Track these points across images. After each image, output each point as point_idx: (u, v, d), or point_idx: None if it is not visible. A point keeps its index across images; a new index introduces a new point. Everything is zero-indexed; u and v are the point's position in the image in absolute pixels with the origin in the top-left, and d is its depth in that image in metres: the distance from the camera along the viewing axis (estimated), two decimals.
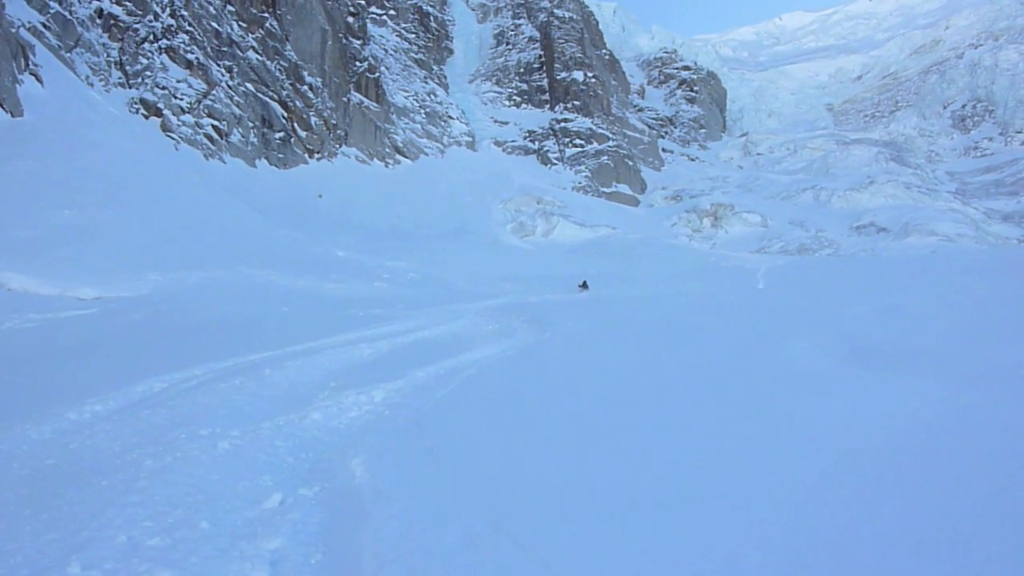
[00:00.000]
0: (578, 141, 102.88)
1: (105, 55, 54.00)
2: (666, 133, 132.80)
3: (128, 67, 54.97)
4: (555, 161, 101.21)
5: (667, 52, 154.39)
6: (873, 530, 4.19)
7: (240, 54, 65.03)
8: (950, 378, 8.07)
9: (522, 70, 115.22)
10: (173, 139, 53.73)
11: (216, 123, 58.90)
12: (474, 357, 13.17)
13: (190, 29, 59.45)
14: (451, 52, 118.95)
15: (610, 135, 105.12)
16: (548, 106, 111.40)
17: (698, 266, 51.00)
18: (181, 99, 56.53)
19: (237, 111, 62.10)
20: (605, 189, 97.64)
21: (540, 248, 66.64)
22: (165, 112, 54.68)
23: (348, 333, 15.59)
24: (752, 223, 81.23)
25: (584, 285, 36.06)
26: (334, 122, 77.03)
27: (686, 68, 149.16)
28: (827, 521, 4.38)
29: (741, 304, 22.37)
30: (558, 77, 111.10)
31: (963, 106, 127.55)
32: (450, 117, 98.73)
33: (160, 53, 57.01)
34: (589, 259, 55.70)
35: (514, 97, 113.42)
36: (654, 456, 6.08)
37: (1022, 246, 65.82)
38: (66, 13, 49.86)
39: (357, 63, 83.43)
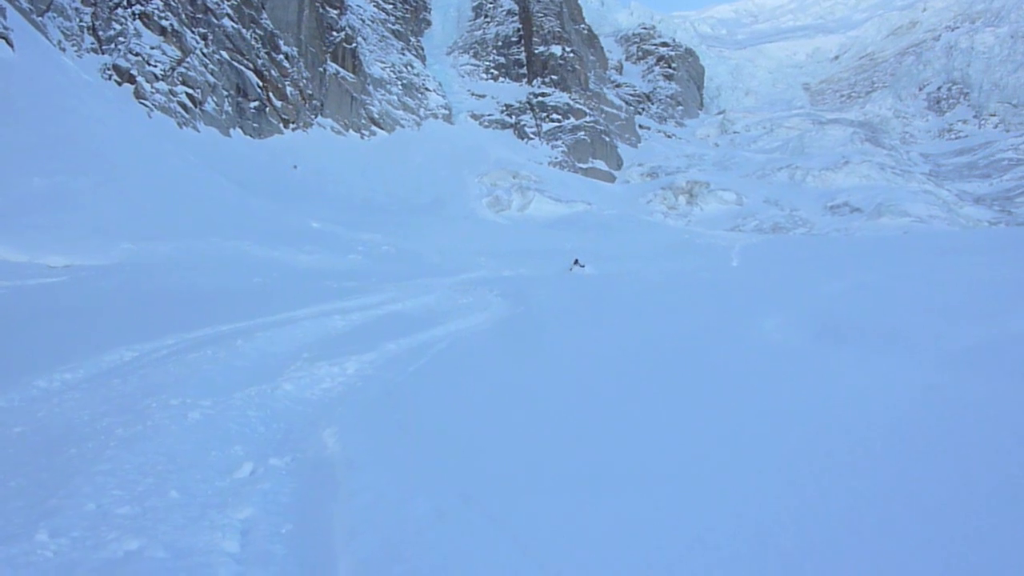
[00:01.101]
0: (555, 116, 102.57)
1: (78, 20, 53.10)
2: (643, 109, 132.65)
3: (101, 32, 54.07)
4: (532, 135, 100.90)
5: (646, 28, 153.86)
6: (840, 513, 4.24)
7: (215, 21, 64.11)
8: (921, 356, 8.17)
9: (500, 43, 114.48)
10: (146, 106, 52.99)
11: (190, 91, 58.15)
12: (447, 330, 13.16)
13: None
14: (429, 24, 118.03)
15: (587, 110, 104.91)
16: (526, 80, 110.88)
17: (673, 243, 51.19)
18: (155, 66, 55.70)
19: (211, 79, 61.32)
20: (581, 165, 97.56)
21: (516, 223, 66.59)
22: (138, 79, 53.89)
23: (321, 305, 15.52)
24: (727, 201, 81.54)
25: (577, 263, 33.89)
26: (310, 92, 76.32)
27: (664, 45, 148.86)
28: (794, 495, 4.44)
29: (715, 281, 22.50)
30: (536, 51, 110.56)
31: (938, 88, 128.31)
32: (427, 89, 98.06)
33: (134, 19, 56.08)
34: (564, 235, 55.72)
35: (492, 70, 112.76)
36: (625, 432, 6.12)
37: (992, 228, 66.54)
38: None
39: (334, 33, 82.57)
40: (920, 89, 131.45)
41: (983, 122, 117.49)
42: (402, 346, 11.40)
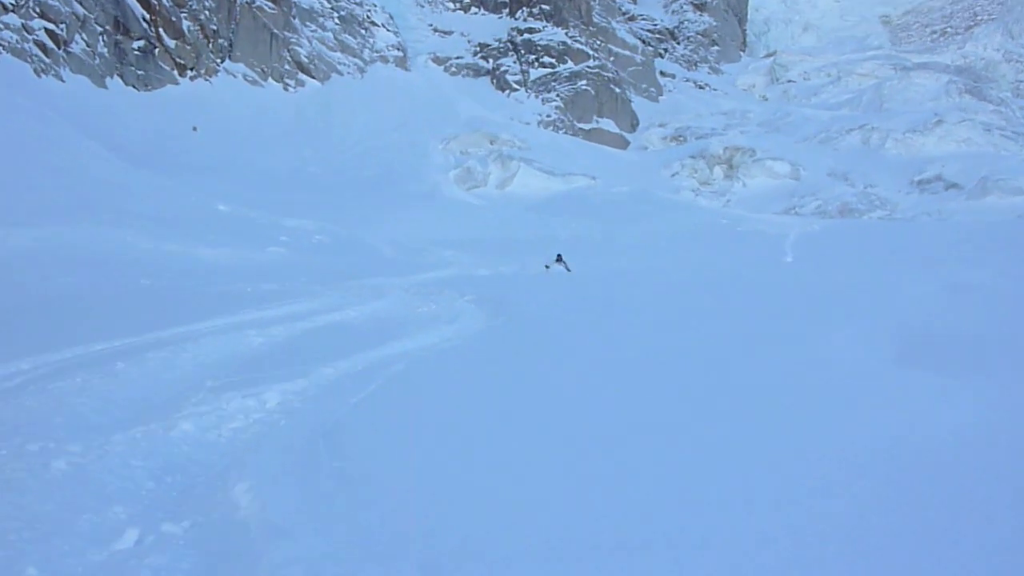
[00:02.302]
0: (547, 59, 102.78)
1: None
2: (666, 51, 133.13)
3: None
4: (515, 86, 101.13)
5: None
6: None
7: None
8: None
9: None
10: None
11: (51, 26, 57.88)
12: (402, 349, 13.19)
13: None
14: None
15: (590, 52, 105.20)
16: (507, 11, 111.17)
17: (706, 231, 51.35)
18: None
19: (81, 10, 61.08)
20: (583, 125, 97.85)
21: (494, 204, 66.56)
22: None
23: (232, 315, 15.49)
24: (779, 174, 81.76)
25: (559, 259, 34.16)
26: (214, 28, 76.17)
27: None
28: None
29: (763, 281, 22.60)
30: None
31: None
32: (373, 24, 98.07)
33: None
34: (559, 220, 55.75)
35: None
36: (637, 487, 6.12)
37: None
38: None
39: None
40: None
41: None
42: (342, 370, 11.40)
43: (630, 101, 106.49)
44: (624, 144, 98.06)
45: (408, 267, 29.67)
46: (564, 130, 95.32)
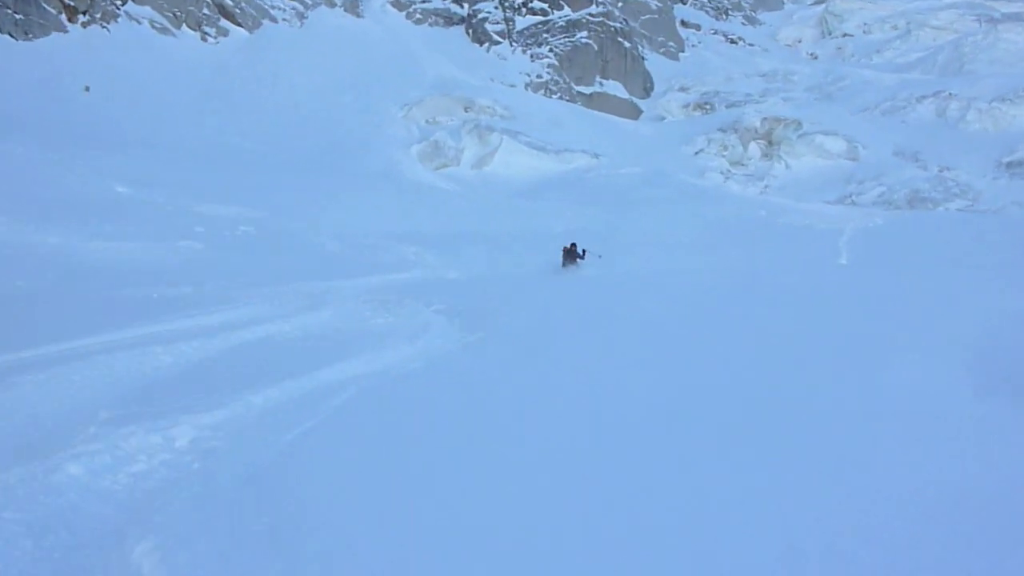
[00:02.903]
0: (537, 5, 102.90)
1: None
2: None
3: None
4: (497, 38, 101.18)
5: None
6: None
7: None
8: None
9: None
10: None
11: None
12: (350, 373, 13.14)
13: None
14: None
15: None
16: None
17: (738, 224, 51.36)
18: None
19: None
20: (583, 89, 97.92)
21: (469, 187, 66.51)
22: None
23: (132, 328, 15.43)
24: (832, 153, 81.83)
25: (574, 251, 33.75)
26: None
27: None
28: None
29: (811, 289, 22.63)
30: None
31: None
32: None
33: None
34: (553, 208, 55.69)
35: None
36: (652, 550, 6.15)
37: None
38: None
39: None
40: None
41: None
42: (272, 400, 11.36)
43: (643, 59, 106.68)
44: (635, 113, 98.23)
45: (358, 268, 29.55)
46: (559, 95, 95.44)
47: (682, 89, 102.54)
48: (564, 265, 32.67)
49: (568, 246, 33.97)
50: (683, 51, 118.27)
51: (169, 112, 67.29)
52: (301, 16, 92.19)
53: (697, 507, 6.89)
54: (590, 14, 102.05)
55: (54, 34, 68.11)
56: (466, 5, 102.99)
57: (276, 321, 17.44)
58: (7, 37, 64.21)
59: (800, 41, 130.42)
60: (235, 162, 60.58)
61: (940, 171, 77.20)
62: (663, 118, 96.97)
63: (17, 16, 65.72)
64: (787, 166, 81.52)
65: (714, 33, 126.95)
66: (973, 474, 7.08)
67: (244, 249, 31.63)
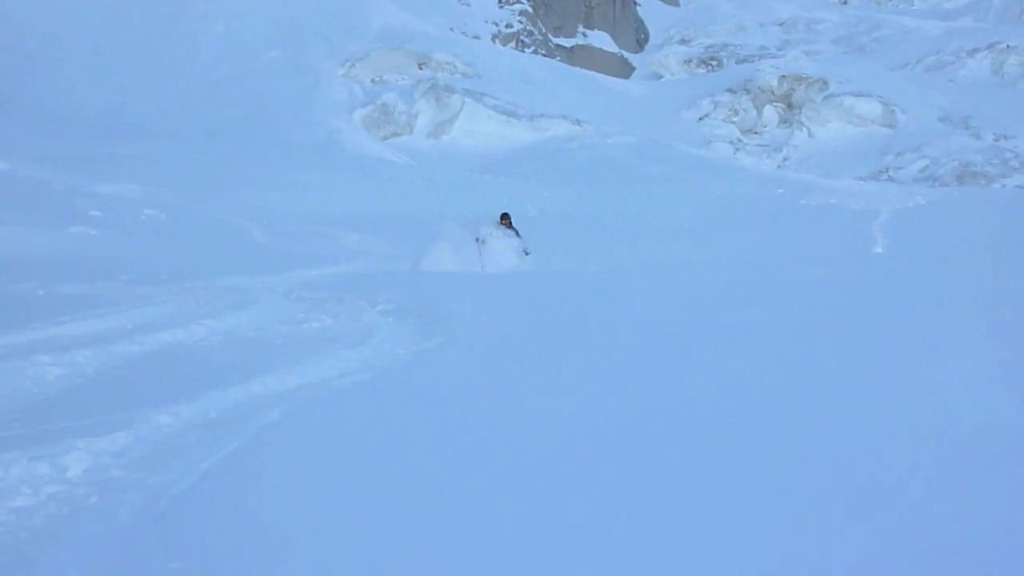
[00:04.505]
0: None
1: None
2: None
3: None
4: None
5: None
6: None
7: None
8: None
9: None
10: None
11: None
12: (279, 387, 13.11)
13: None
14: None
15: None
16: None
17: (752, 204, 51.53)
18: None
19: None
20: (563, 41, 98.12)
21: (424, 160, 66.59)
22: None
23: (13, 333, 15.42)
24: (865, 119, 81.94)
25: (506, 220, 32.19)
26: None
27: None
28: None
29: (839, 283, 22.66)
30: None
31: None
32: None
33: None
34: (527, 186, 55.70)
35: None
36: None
37: None
38: None
39: None
40: None
41: None
42: (185, 419, 11.34)
43: (636, 4, 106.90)
44: (626, 71, 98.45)
45: (290, 259, 29.56)
46: (533, 48, 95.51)
47: (683, 41, 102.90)
48: (479, 240, 31.10)
49: (501, 216, 32.66)
50: None
51: (54, 73, 67.12)
52: None
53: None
54: None
55: None
56: None
57: (190, 325, 17.39)
58: None
59: None
60: (138, 132, 60.59)
61: (996, 140, 77.55)
62: (660, 76, 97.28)
63: None
64: (810, 134, 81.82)
65: None
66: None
67: (150, 237, 31.65)
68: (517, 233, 31.92)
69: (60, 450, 9.93)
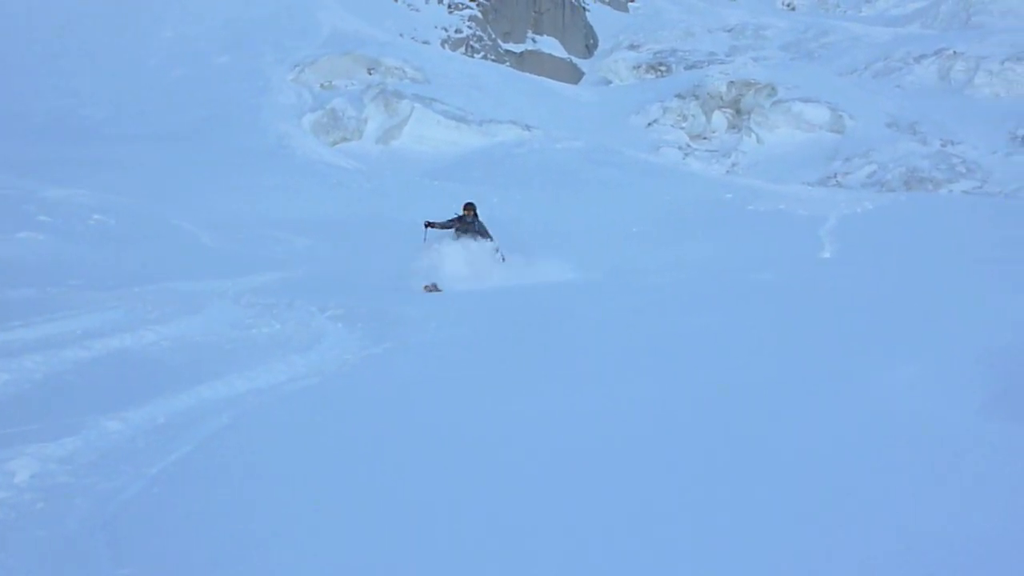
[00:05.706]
0: None
1: None
2: None
3: None
4: None
5: None
6: None
7: None
8: None
9: None
10: None
11: None
12: (227, 392, 13.09)
13: None
14: None
15: None
16: None
17: (701, 210, 51.54)
18: None
19: None
20: (512, 46, 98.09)
21: (374, 165, 66.45)
22: None
23: None
24: (813, 124, 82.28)
25: (470, 210, 29.88)
26: None
27: None
28: None
29: (789, 288, 22.79)
30: None
31: None
32: None
33: None
34: (476, 190, 55.68)
35: None
36: None
37: None
38: None
39: None
40: None
41: None
42: (134, 425, 11.31)
43: (585, 10, 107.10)
44: (575, 76, 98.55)
45: (238, 264, 29.48)
46: (482, 53, 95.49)
47: (632, 47, 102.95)
48: (457, 237, 29.35)
49: (465, 206, 30.28)
50: (633, 1, 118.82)
51: (3, 74, 66.82)
52: None
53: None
54: None
55: None
56: None
57: (138, 330, 17.35)
58: None
59: None
60: (86, 136, 60.26)
61: (943, 146, 77.88)
62: (609, 82, 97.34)
63: None
64: (759, 140, 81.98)
65: None
66: (986, 507, 7.14)
67: (98, 242, 31.49)
68: (485, 229, 29.91)
69: (7, 456, 9.87)
